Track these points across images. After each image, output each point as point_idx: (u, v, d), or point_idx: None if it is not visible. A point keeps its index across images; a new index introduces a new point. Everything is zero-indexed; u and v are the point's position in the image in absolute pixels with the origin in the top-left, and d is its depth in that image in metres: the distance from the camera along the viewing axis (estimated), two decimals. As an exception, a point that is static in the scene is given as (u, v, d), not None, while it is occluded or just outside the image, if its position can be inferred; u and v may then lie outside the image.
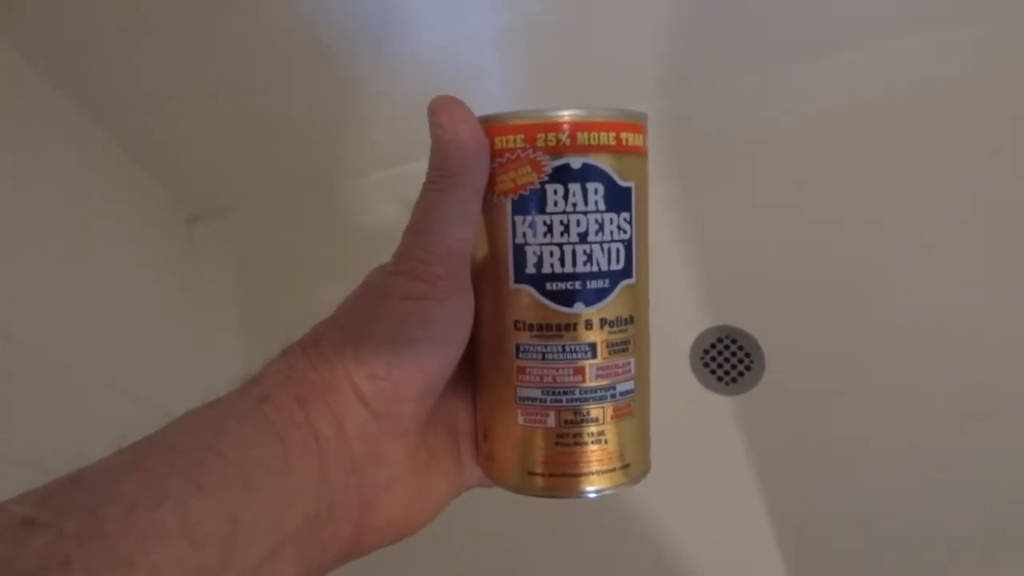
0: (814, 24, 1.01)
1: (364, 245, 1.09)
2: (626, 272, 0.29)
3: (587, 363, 0.29)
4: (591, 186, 0.28)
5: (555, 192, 0.28)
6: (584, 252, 0.28)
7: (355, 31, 0.88)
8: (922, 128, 1.04)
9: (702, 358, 0.97)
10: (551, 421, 0.29)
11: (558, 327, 0.29)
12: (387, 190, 1.09)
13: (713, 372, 0.96)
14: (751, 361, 0.95)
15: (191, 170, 1.01)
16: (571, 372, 0.29)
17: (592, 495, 0.29)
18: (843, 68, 1.06)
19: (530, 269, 0.29)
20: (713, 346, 0.97)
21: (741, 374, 0.95)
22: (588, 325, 0.29)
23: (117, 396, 0.73)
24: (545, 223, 0.28)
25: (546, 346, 0.29)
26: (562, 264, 0.28)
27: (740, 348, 0.97)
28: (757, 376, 0.94)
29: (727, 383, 0.95)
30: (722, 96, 1.07)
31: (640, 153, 0.29)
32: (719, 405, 0.93)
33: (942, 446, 0.85)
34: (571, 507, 0.82)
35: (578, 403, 0.29)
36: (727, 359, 0.96)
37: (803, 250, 1.01)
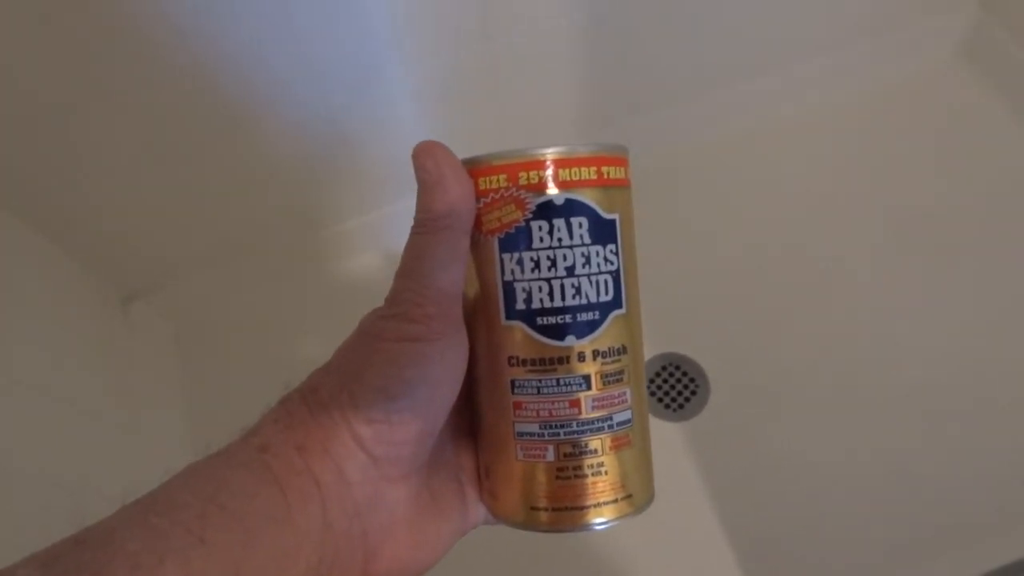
0: (726, 52, 1.06)
1: (304, 306, 1.08)
2: (616, 303, 0.29)
3: (582, 395, 0.29)
4: (575, 220, 0.28)
5: (540, 228, 0.28)
6: (572, 285, 0.29)
7: (272, 95, 0.87)
8: (838, 147, 1.11)
9: (648, 387, 0.98)
10: (550, 455, 0.29)
11: (551, 361, 0.29)
12: (324, 250, 1.08)
13: (660, 400, 0.97)
14: (696, 386, 0.98)
15: (118, 248, 0.97)
16: (567, 405, 0.29)
17: (597, 527, 0.29)
18: (761, 94, 1.12)
19: (520, 305, 0.29)
20: (658, 374, 0.99)
21: (688, 399, 0.97)
22: (581, 357, 0.29)
23: (56, 492, 0.69)
24: (532, 259, 0.28)
25: (540, 380, 0.29)
26: (551, 298, 0.29)
27: (685, 374, 0.99)
28: (703, 401, 0.96)
29: (675, 409, 0.96)
30: (647, 127, 1.11)
31: (623, 185, 0.30)
32: (668, 432, 0.95)
33: (888, 456, 0.89)
34: (516, 539, 0.81)
35: (576, 436, 0.29)
36: (672, 386, 0.98)
37: (737, 273, 1.05)
